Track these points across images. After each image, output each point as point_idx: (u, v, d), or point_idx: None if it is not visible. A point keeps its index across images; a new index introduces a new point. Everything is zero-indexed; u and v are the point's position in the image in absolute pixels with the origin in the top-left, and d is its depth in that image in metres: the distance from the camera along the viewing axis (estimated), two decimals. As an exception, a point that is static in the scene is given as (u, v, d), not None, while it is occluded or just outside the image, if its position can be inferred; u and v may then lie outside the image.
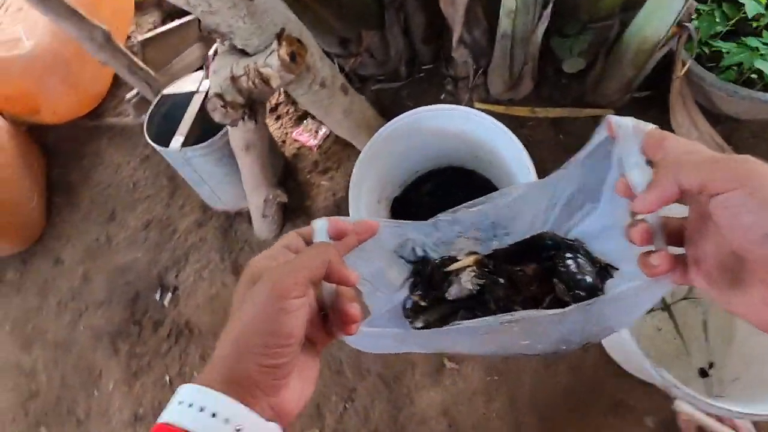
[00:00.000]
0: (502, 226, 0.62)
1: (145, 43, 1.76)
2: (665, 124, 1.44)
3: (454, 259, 0.65)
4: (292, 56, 0.93)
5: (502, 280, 0.61)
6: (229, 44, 1.03)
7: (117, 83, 1.98)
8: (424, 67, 1.63)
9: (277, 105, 1.82)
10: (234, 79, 0.98)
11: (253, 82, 0.97)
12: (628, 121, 0.40)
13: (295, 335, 0.35)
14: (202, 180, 1.48)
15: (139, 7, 2.09)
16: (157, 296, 1.68)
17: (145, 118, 1.45)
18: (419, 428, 1.40)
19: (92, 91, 1.85)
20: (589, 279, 0.54)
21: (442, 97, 1.59)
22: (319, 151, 1.69)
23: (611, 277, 0.56)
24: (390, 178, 1.30)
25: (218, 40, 1.02)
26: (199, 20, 0.92)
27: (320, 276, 0.38)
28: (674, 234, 0.39)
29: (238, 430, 0.33)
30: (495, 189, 1.31)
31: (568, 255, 0.57)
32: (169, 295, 1.67)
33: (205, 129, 1.43)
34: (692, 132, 1.36)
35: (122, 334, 1.67)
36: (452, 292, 0.61)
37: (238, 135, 1.20)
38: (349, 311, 0.40)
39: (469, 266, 0.63)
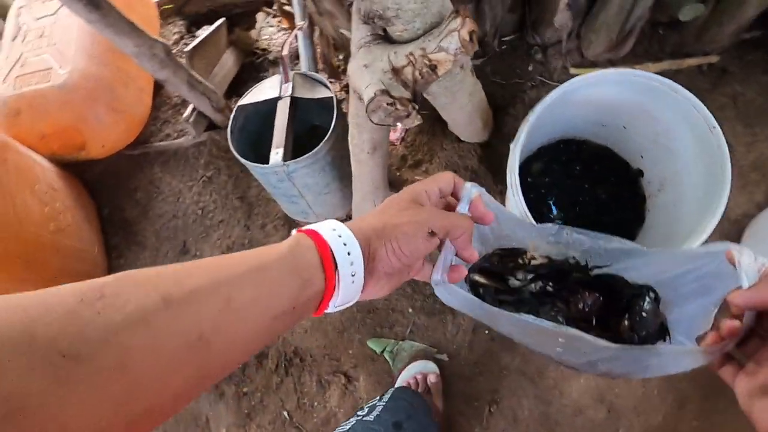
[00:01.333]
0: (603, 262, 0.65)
1: (192, 53, 1.59)
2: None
3: (530, 257, 0.68)
4: (471, 35, 0.80)
5: (563, 293, 0.66)
6: (372, 35, 0.90)
7: (155, 104, 1.80)
8: (504, 39, 1.52)
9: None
10: (396, 71, 0.85)
11: (420, 72, 0.84)
12: (748, 252, 0.45)
13: (417, 255, 0.46)
14: (300, 194, 1.34)
15: (161, 16, 1.90)
16: (254, 327, 1.54)
17: (228, 133, 1.30)
18: (575, 420, 1.32)
19: (138, 116, 1.67)
20: (652, 328, 0.61)
21: (530, 68, 1.48)
22: (403, 144, 1.57)
23: (667, 337, 0.61)
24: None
25: (363, 30, 0.88)
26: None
27: (456, 237, 0.48)
28: (754, 346, 0.45)
29: (353, 274, 0.43)
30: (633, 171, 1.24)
31: (647, 301, 0.61)
32: (268, 323, 1.53)
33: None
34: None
35: (224, 374, 1.52)
36: (514, 282, 0.67)
37: (366, 137, 1.07)
38: (459, 269, 0.52)
39: (542, 266, 0.68)
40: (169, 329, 0.32)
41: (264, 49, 1.94)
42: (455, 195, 0.53)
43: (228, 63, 1.83)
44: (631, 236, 1.24)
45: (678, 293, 0.61)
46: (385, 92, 0.84)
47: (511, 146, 1.01)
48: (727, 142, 0.93)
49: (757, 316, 0.44)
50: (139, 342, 0.31)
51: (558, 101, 0.98)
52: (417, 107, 0.86)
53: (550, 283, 0.66)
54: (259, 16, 1.98)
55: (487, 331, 1.37)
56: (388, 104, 0.85)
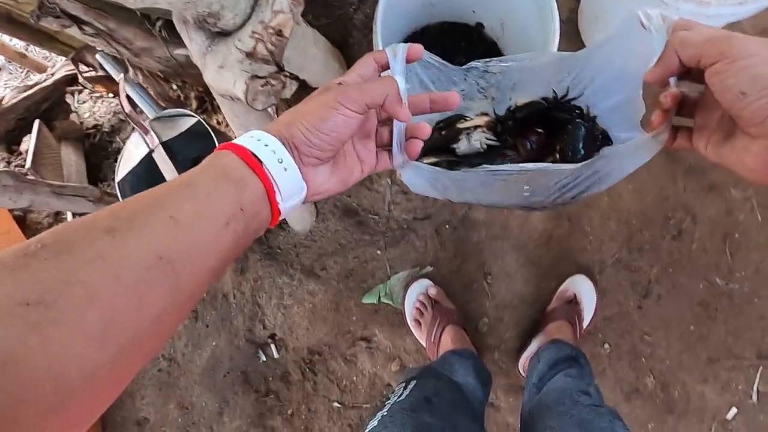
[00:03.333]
0: (520, 88, 0.69)
1: (34, 168, 1.49)
2: None
3: (466, 119, 0.72)
4: (293, -14, 0.86)
5: (508, 141, 0.70)
6: (208, 38, 0.92)
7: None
8: (305, -13, 1.56)
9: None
10: (250, 54, 0.89)
11: (271, 42, 0.88)
12: (657, 14, 0.47)
13: (337, 132, 0.46)
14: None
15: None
16: (263, 357, 1.56)
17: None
18: (550, 242, 1.49)
19: None
20: (583, 152, 0.64)
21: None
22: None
23: (610, 144, 0.66)
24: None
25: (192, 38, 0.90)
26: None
27: (377, 104, 0.48)
28: (690, 106, 0.50)
29: (280, 161, 0.44)
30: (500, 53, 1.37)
31: (576, 124, 0.65)
32: (272, 346, 1.56)
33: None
34: None
35: (264, 414, 1.55)
36: (462, 148, 0.70)
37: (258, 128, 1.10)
38: (421, 131, 0.53)
39: (480, 126, 0.72)
40: (124, 257, 0.32)
41: (96, 126, 1.83)
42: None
43: (71, 157, 1.72)
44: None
45: (600, 92, 0.65)
46: (254, 77, 0.88)
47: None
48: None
49: (682, 76, 0.47)
50: (99, 275, 0.31)
51: (389, 2, 1.07)
52: (288, 74, 0.91)
53: (492, 136, 0.70)
54: (70, 99, 1.86)
55: (447, 225, 1.50)
56: (262, 86, 0.89)
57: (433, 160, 0.72)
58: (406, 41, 1.44)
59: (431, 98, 0.54)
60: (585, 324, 1.38)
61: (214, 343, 1.58)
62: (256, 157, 0.43)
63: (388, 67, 0.52)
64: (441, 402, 0.90)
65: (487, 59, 0.67)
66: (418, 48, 0.53)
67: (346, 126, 0.46)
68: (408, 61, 0.53)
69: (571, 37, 1.49)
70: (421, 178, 0.57)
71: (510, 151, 0.70)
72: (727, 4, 1.00)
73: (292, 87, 0.93)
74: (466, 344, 1.33)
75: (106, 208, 0.36)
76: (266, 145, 0.44)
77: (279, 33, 0.89)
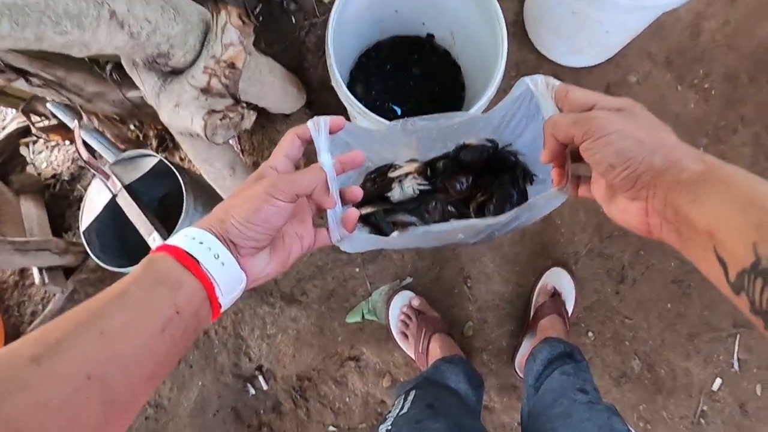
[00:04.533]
0: (446, 140, 0.75)
1: (-7, 225, 1.44)
2: None
3: (396, 167, 0.76)
4: (241, 18, 0.86)
5: (438, 184, 0.74)
6: (160, 78, 0.91)
7: (-6, 297, 1.61)
8: (256, 13, 1.57)
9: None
10: (205, 90, 0.88)
11: (224, 75, 0.88)
12: (541, 79, 0.52)
13: (270, 222, 0.46)
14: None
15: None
16: (252, 391, 1.53)
17: (95, 260, 1.23)
18: (524, 239, 1.52)
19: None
20: (516, 196, 0.72)
21: (294, 20, 1.56)
22: (246, 154, 1.59)
23: (533, 182, 0.74)
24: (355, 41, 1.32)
25: (146, 81, 0.89)
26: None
27: (306, 194, 0.49)
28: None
29: (217, 256, 0.44)
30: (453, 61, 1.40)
31: (505, 171, 0.73)
32: (260, 377, 1.53)
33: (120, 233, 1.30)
34: None
35: (259, 446, 1.52)
36: (395, 196, 0.74)
37: (219, 164, 1.09)
38: (352, 194, 0.55)
39: (410, 173, 0.75)
40: (51, 383, 0.32)
41: (54, 175, 1.79)
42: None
43: (31, 211, 1.67)
44: (464, 93, 1.43)
45: (518, 134, 0.71)
46: (211, 112, 0.88)
47: (334, 85, 1.10)
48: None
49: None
50: (22, 408, 0.30)
51: (339, 23, 1.08)
52: (245, 105, 0.91)
53: (423, 180, 0.74)
54: (24, 151, 1.81)
55: (422, 236, 1.51)
56: (221, 120, 0.88)
57: (369, 210, 0.74)
58: (359, 59, 1.46)
59: (341, 161, 0.54)
60: (569, 315, 1.40)
61: (200, 383, 1.55)
62: (191, 256, 0.43)
63: (311, 141, 0.54)
64: (443, 406, 0.90)
65: (406, 119, 0.70)
66: (339, 120, 0.55)
67: (278, 216, 0.47)
68: (331, 132, 0.55)
69: (520, 38, 1.53)
70: (360, 243, 0.59)
71: (441, 194, 0.75)
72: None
73: (251, 117, 0.93)
74: (454, 350, 1.34)
75: (33, 332, 0.35)
76: (201, 243, 0.44)
77: (232, 66, 0.89)
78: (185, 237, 0.45)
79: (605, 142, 0.43)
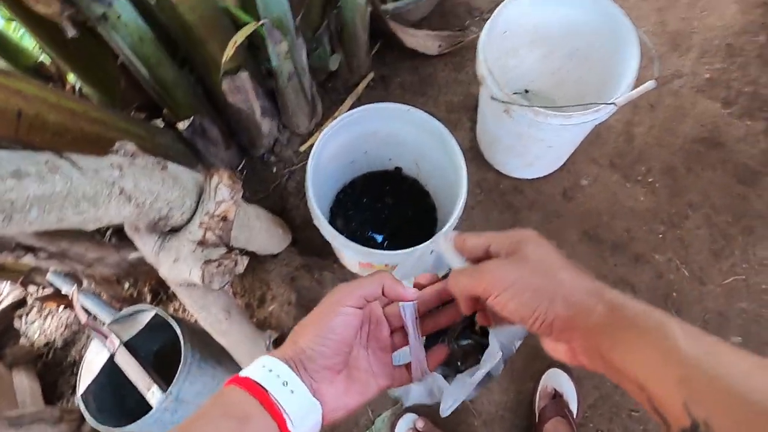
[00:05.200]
0: None
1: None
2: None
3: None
4: (231, 178, 0.98)
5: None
6: (160, 238, 1.01)
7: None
8: (240, 168, 1.74)
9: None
10: (201, 242, 0.98)
11: (218, 228, 0.98)
12: (441, 239, 0.53)
13: (339, 333, 0.45)
14: (195, 404, 1.32)
15: None
16: None
17: (95, 425, 1.22)
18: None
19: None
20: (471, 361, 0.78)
21: (275, 170, 1.73)
22: (239, 297, 1.65)
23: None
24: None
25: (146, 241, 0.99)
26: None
27: (375, 294, 0.48)
28: None
29: (285, 383, 0.42)
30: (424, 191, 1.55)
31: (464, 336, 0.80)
32: None
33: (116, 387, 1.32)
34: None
35: None
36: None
37: (215, 309, 1.15)
38: (438, 354, 0.55)
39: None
40: None
41: (47, 343, 1.80)
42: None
43: (24, 383, 1.65)
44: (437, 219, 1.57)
45: None
46: (207, 261, 0.96)
47: (316, 223, 1.21)
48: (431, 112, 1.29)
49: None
50: None
51: (316, 168, 1.23)
52: (238, 251, 1.00)
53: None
54: (18, 323, 1.84)
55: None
56: (216, 268, 0.97)
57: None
58: (337, 196, 1.61)
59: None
60: (574, 416, 1.39)
61: None
62: (259, 385, 0.42)
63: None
64: None
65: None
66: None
67: (346, 325, 0.46)
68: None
69: (478, 160, 1.71)
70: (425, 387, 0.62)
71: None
72: (587, 113, 1.22)
73: (243, 262, 1.02)
74: (467, 471, 1.29)
75: None
76: (270, 370, 0.43)
77: (224, 218, 0.99)
78: (256, 365, 0.44)
79: (506, 298, 0.43)
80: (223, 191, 0.97)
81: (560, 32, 1.48)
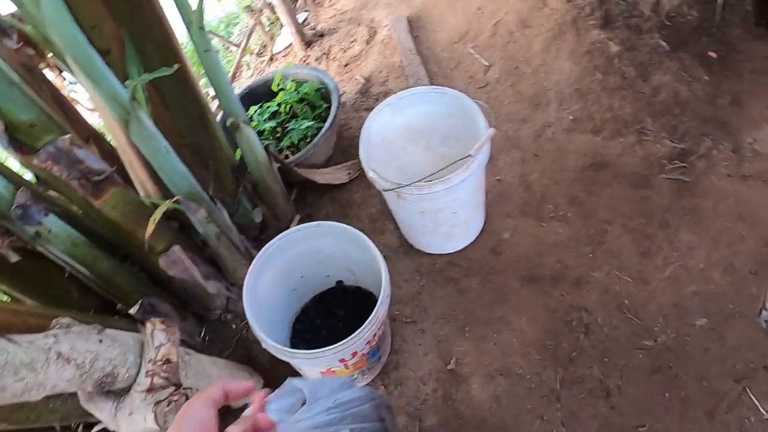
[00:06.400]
0: None
1: None
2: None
3: None
4: (164, 323, 1.11)
5: None
6: (114, 403, 1.09)
7: None
8: (203, 336, 1.85)
9: None
10: (150, 389, 1.06)
11: (163, 371, 1.08)
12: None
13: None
14: None
15: None
16: None
17: None
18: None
19: None
20: None
21: (234, 326, 1.84)
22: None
23: None
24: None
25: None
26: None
27: (218, 395, 0.58)
28: None
29: None
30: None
31: None
32: None
33: None
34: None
35: None
36: None
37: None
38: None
39: None
40: None
41: None
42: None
43: None
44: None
45: None
46: (157, 402, 1.04)
47: (280, 357, 1.31)
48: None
49: None
50: None
51: (253, 302, 1.36)
52: (187, 388, 1.08)
53: None
54: None
55: None
56: (167, 406, 1.04)
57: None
58: (293, 327, 1.71)
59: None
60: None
61: None
62: None
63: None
64: None
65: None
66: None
67: (207, 416, 0.55)
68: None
69: (412, 250, 1.87)
70: None
71: None
72: (459, 172, 1.43)
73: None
74: None
75: None
76: None
77: (168, 361, 1.09)
78: None
79: None
80: (159, 336, 1.09)
81: (428, 125, 1.76)
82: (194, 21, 1.41)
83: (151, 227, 1.35)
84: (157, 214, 1.38)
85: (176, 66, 1.20)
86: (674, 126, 1.97)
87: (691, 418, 1.42)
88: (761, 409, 1.39)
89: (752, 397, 1.42)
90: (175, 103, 1.61)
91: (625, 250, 1.73)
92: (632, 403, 1.46)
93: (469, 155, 1.37)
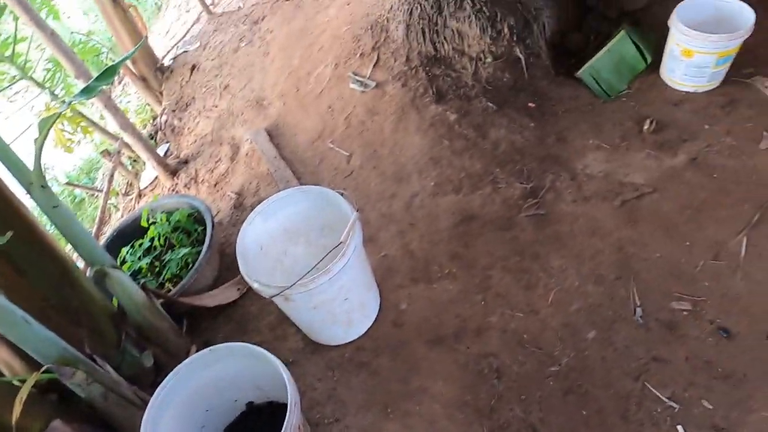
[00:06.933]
0: None
1: None
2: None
3: None
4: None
5: None
6: None
7: None
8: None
9: None
10: None
11: None
12: None
13: None
14: None
15: None
16: None
17: None
18: None
19: None
20: None
21: None
22: None
23: None
24: None
25: None
26: None
27: None
28: None
29: None
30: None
31: None
32: None
33: None
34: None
35: None
36: None
37: None
38: None
39: None
40: None
41: None
42: None
43: None
44: None
45: None
46: None
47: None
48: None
49: None
50: None
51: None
52: None
53: None
54: None
55: None
56: None
57: None
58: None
59: None
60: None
61: None
62: None
63: None
64: None
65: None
66: None
67: None
68: None
69: (319, 349, 1.85)
70: None
71: None
72: (336, 260, 1.48)
73: None
74: None
75: None
76: None
77: None
78: None
79: None
80: None
81: (302, 222, 1.82)
82: (34, 181, 1.38)
83: (18, 408, 1.22)
84: (24, 391, 1.25)
85: (9, 234, 1.15)
86: (519, 170, 2.22)
87: (611, 426, 1.50)
88: (662, 398, 1.51)
89: (652, 389, 1.54)
90: (30, 267, 1.51)
91: (511, 288, 1.86)
92: (558, 430, 1.51)
93: (341, 242, 1.43)
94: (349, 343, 1.83)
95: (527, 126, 2.41)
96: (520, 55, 2.65)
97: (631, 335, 1.66)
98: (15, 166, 1.36)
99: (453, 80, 2.69)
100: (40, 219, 1.76)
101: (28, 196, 1.43)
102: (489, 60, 2.69)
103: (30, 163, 1.39)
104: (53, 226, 1.55)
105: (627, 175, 2.09)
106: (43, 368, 1.33)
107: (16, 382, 1.41)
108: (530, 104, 2.54)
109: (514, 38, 2.69)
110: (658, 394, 1.52)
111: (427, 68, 2.72)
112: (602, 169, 2.14)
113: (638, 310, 1.71)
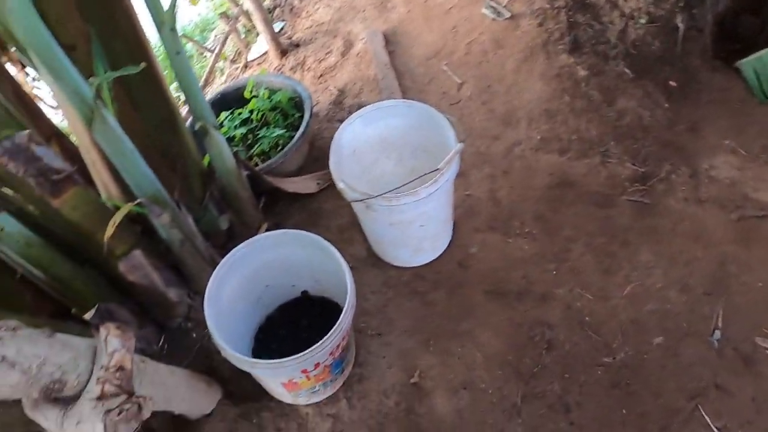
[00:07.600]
0: None
1: None
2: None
3: None
4: (120, 328, 1.07)
5: None
6: (61, 410, 1.04)
7: None
8: (161, 344, 1.79)
9: None
10: (100, 397, 1.02)
11: (116, 378, 1.04)
12: None
13: None
14: None
15: None
16: None
17: None
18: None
19: None
20: None
21: (194, 335, 1.79)
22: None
23: None
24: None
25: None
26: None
27: None
28: None
29: None
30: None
31: None
32: None
33: None
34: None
35: None
36: None
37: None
38: None
39: None
40: None
41: None
42: None
43: None
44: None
45: None
46: (107, 411, 0.99)
47: (224, 354, 1.28)
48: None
49: None
50: None
51: (216, 309, 1.33)
52: (139, 397, 1.04)
53: None
54: None
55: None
56: (118, 415, 1.00)
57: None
58: (256, 337, 1.67)
59: None
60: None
61: None
62: None
63: None
64: None
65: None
66: None
67: None
68: None
69: (378, 263, 1.87)
70: None
71: None
72: (428, 185, 1.44)
73: (148, 405, 1.05)
74: None
75: None
76: None
77: (121, 368, 1.05)
78: None
79: None
80: (114, 342, 1.05)
81: (399, 138, 1.78)
82: (166, 22, 1.39)
83: (110, 229, 1.31)
84: (118, 216, 1.34)
85: (143, 64, 1.17)
86: (636, 149, 2.04)
87: (648, 435, 1.45)
88: (712, 426, 1.43)
89: (704, 414, 1.46)
90: (143, 103, 1.58)
91: (588, 267, 1.76)
92: (591, 419, 1.48)
93: (438, 169, 1.38)
94: (411, 268, 1.83)
95: (661, 104, 2.17)
96: (680, 24, 2.34)
97: (700, 354, 1.56)
98: (152, 2, 1.36)
99: (595, 33, 2.43)
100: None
101: (157, 35, 1.45)
102: (643, 21, 2.40)
103: (166, 4, 1.39)
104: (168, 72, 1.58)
105: (757, 190, 1.86)
106: (137, 201, 1.41)
107: (110, 206, 1.52)
108: (672, 82, 2.28)
109: (680, 3, 2.38)
110: (708, 421, 1.44)
111: (571, 12, 2.47)
112: (730, 176, 1.92)
113: (717, 332, 1.59)
